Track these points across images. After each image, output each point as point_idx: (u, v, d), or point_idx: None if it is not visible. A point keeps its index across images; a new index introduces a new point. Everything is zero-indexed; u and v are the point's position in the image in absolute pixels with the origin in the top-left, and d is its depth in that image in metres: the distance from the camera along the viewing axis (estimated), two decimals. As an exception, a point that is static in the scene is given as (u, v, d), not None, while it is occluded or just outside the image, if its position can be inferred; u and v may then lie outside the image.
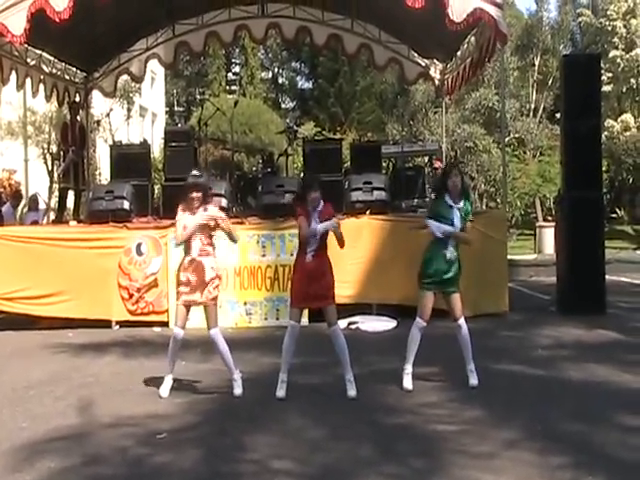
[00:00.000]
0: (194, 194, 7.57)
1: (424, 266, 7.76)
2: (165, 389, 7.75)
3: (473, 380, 7.75)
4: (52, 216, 16.45)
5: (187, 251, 7.68)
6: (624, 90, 31.64)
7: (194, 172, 7.87)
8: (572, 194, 12.18)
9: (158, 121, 40.44)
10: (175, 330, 7.75)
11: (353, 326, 11.36)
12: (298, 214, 7.56)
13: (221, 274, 8.16)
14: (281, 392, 7.56)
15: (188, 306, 7.72)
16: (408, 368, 7.80)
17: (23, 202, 16.37)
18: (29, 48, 15.09)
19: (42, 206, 17.57)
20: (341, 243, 7.58)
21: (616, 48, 30.82)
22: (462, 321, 7.79)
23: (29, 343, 10.86)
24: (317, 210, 7.51)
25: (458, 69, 16.13)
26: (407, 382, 7.76)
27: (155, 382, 8.17)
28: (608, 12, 31.12)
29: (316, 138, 19.39)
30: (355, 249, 11.90)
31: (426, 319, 7.70)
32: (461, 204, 7.71)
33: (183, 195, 7.68)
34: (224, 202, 12.52)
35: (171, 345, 7.77)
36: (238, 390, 7.75)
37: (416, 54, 17.68)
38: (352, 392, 7.49)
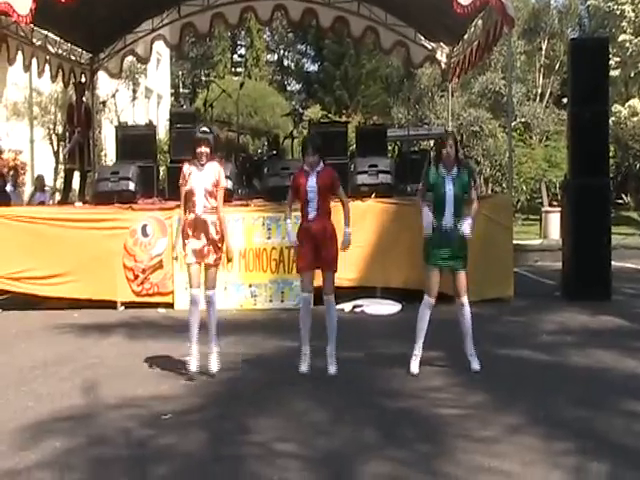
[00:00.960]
0: (202, 149, 7.52)
1: (425, 240, 7.66)
2: (194, 363, 7.62)
3: (475, 365, 7.67)
4: (57, 197, 16.45)
5: (191, 208, 7.59)
6: (632, 75, 31.41)
7: (203, 128, 7.81)
8: (578, 180, 12.11)
9: (163, 103, 40.36)
10: (192, 291, 7.60)
11: (358, 309, 11.38)
12: (292, 179, 7.67)
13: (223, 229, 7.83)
14: (304, 367, 7.54)
15: (199, 263, 7.64)
16: (417, 350, 7.71)
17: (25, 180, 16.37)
18: (35, 29, 15.06)
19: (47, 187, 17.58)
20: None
21: (624, 32, 30.57)
22: (465, 300, 7.65)
23: (34, 323, 10.91)
24: (316, 170, 7.50)
25: (465, 53, 16.06)
26: (414, 366, 7.67)
27: (160, 363, 8.22)
28: (617, -5, 30.87)
29: (322, 121, 19.27)
30: (360, 232, 11.87)
31: (433, 296, 7.60)
32: (454, 172, 7.54)
33: (191, 148, 7.63)
34: (229, 184, 12.51)
35: (191, 309, 7.58)
36: (214, 366, 7.70)
37: (422, 37, 17.58)
38: (332, 369, 7.47)
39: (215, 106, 16.51)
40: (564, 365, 8.07)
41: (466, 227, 7.50)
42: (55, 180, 22.85)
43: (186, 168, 7.65)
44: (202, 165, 7.57)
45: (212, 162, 7.65)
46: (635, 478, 5.13)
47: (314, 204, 7.48)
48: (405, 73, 34.53)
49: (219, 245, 7.66)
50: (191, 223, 7.58)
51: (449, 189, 7.51)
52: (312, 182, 7.46)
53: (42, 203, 15.25)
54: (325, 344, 7.67)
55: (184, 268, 8.07)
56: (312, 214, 7.49)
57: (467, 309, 7.68)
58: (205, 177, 7.57)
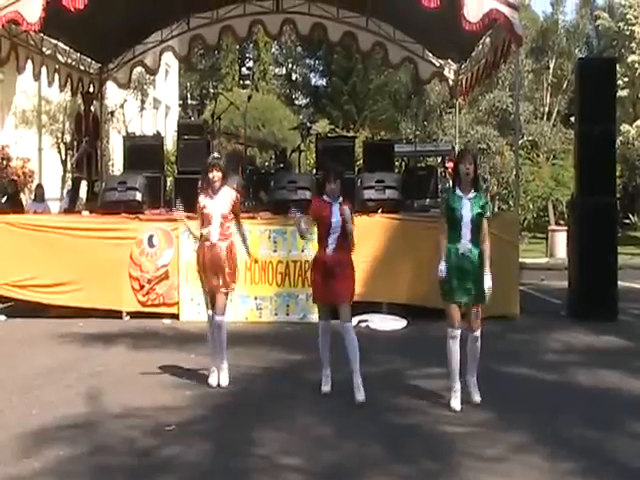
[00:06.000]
0: (214, 173, 7.66)
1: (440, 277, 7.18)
2: (213, 378, 7.86)
3: (477, 397, 7.22)
4: (64, 205, 16.48)
5: (208, 232, 7.75)
6: (640, 95, 31.51)
7: (214, 154, 7.97)
8: (585, 199, 12.09)
9: (171, 114, 40.42)
10: (210, 312, 7.86)
11: (363, 324, 11.31)
12: (312, 205, 7.57)
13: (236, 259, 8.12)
14: (326, 387, 7.53)
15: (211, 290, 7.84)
16: (455, 386, 7.15)
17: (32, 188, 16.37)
18: (45, 38, 15.16)
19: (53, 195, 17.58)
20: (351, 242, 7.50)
21: (634, 53, 30.61)
22: (479, 334, 7.16)
23: (39, 331, 10.87)
24: (338, 202, 7.42)
25: (472, 70, 16.12)
26: (455, 403, 7.09)
27: (164, 374, 8.25)
28: (627, 16, 30.86)
29: (329, 135, 19.30)
30: (366, 247, 11.86)
31: (457, 326, 7.10)
32: (471, 194, 7.10)
33: (203, 176, 7.81)
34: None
35: (209, 329, 7.89)
36: (225, 381, 7.85)
37: (430, 54, 17.63)
38: (360, 397, 7.17)
39: (223, 118, 16.53)
40: (569, 384, 8.04)
41: (487, 281, 7.10)
42: (62, 189, 22.85)
43: (201, 199, 7.79)
44: (215, 192, 7.71)
45: (225, 187, 7.81)
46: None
47: (334, 237, 7.40)
48: (413, 89, 34.59)
49: (230, 272, 7.82)
50: (207, 251, 7.77)
51: (465, 213, 7.05)
52: (337, 216, 7.36)
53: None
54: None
55: (190, 280, 8.17)
56: (331, 246, 7.41)
57: (479, 342, 7.21)
58: (220, 202, 7.74)
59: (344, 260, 7.46)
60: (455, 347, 7.13)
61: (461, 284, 7.06)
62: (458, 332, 7.11)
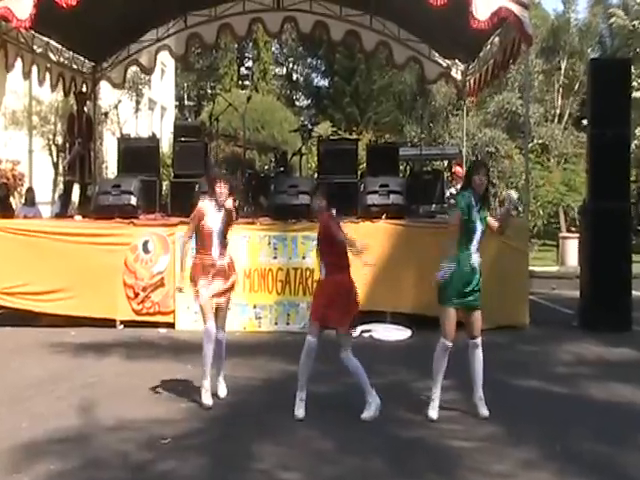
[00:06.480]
0: (222, 190, 7.48)
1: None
2: (208, 397, 7.45)
3: (484, 410, 7.06)
4: (56, 210, 16.23)
5: (206, 251, 7.53)
6: (656, 98, 31.09)
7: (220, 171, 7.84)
8: (598, 204, 11.91)
9: (167, 115, 40.24)
10: (207, 326, 7.48)
11: (366, 334, 11.18)
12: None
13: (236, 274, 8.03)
14: (300, 411, 7.08)
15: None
16: (435, 394, 7.13)
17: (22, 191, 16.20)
18: (36, 35, 14.93)
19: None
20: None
21: (649, 53, 30.27)
22: (480, 341, 7.14)
23: (30, 340, 10.72)
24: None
25: (480, 71, 16.01)
26: (432, 412, 7.09)
27: (160, 385, 8.11)
28: (643, 14, 30.57)
29: (331, 138, 19.06)
30: (369, 254, 11.48)
31: (451, 339, 7.01)
32: (479, 206, 7.10)
33: (209, 186, 7.71)
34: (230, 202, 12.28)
35: (206, 345, 7.47)
36: (222, 392, 7.75)
37: (437, 54, 17.46)
38: (367, 415, 6.95)
39: (221, 120, 16.26)
40: (580, 397, 7.91)
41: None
42: (54, 192, 22.55)
43: (203, 205, 7.58)
44: (220, 206, 7.54)
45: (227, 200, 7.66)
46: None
47: (323, 258, 7.16)
48: (418, 90, 34.35)
49: (230, 287, 7.70)
50: (206, 266, 7.55)
51: (478, 226, 7.08)
52: (316, 236, 7.25)
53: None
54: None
55: (186, 288, 7.82)
56: (323, 270, 7.18)
57: (480, 350, 7.15)
58: (221, 219, 7.57)
59: (340, 283, 7.14)
60: (445, 359, 7.10)
61: (462, 291, 7.06)
62: (450, 345, 7.05)
